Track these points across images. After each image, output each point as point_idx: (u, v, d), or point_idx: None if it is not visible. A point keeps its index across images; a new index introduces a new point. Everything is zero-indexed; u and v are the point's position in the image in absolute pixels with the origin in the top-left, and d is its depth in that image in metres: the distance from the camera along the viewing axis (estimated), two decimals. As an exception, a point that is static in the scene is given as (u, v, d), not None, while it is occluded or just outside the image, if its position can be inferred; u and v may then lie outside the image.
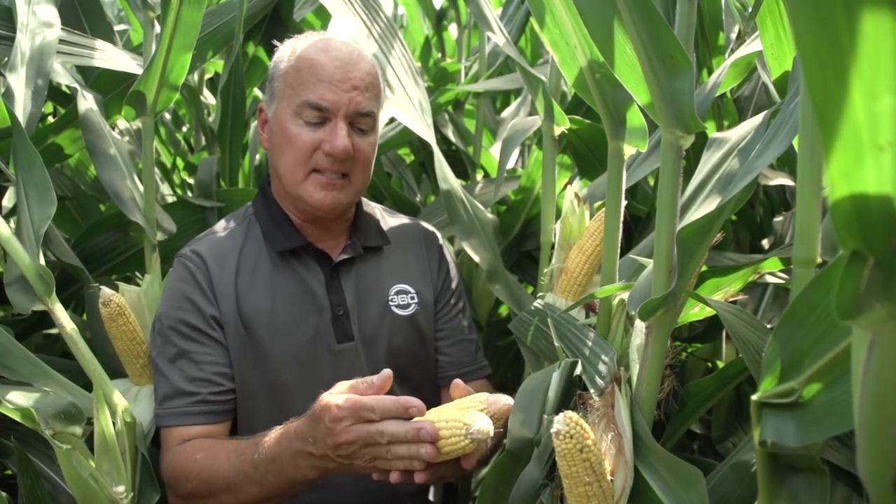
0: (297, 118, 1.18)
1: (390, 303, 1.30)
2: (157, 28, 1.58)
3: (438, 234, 1.44)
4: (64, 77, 1.63)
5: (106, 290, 1.26)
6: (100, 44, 1.60)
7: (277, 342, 1.21)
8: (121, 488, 1.10)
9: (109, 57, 1.58)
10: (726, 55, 1.55)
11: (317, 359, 1.23)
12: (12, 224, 1.28)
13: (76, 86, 1.57)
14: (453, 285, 1.40)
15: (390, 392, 1.27)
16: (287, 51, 1.24)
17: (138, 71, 1.59)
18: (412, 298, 1.32)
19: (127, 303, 1.30)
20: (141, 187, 1.54)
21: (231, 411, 1.23)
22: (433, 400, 1.37)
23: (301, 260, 1.26)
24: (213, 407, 1.20)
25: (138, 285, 1.44)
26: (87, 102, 1.53)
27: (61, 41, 1.45)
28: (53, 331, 1.87)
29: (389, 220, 1.41)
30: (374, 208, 1.42)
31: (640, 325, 1.03)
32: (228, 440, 1.18)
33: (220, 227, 1.32)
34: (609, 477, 0.92)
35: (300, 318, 1.23)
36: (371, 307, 1.28)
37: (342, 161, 1.18)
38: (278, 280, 1.24)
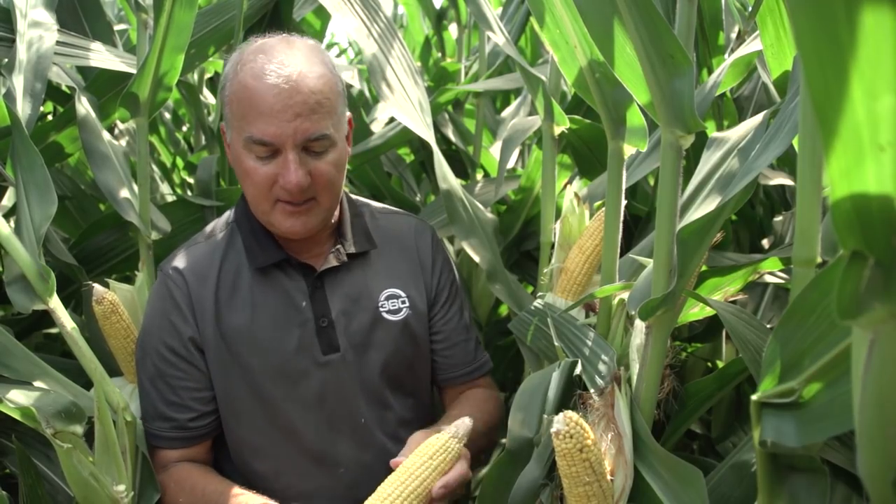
0: (248, 152, 1.11)
1: (381, 308, 1.25)
2: (150, 29, 1.59)
3: (431, 229, 1.38)
4: (63, 79, 1.63)
5: (99, 288, 1.26)
6: (96, 44, 1.60)
7: (260, 357, 1.19)
8: (121, 487, 1.10)
9: (106, 57, 1.58)
10: (726, 55, 1.55)
11: (303, 372, 1.20)
12: (12, 223, 1.28)
13: (73, 86, 1.57)
14: (448, 282, 1.35)
15: (384, 400, 1.26)
16: (230, 71, 1.14)
17: (135, 71, 1.59)
18: (403, 303, 1.27)
19: (120, 301, 1.30)
20: (136, 187, 1.54)
21: (210, 432, 1.24)
22: (428, 404, 1.37)
23: (284, 271, 1.22)
24: (191, 433, 1.21)
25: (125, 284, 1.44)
26: (84, 104, 1.53)
27: (59, 42, 1.45)
28: (53, 330, 1.88)
29: (380, 218, 1.34)
30: (364, 207, 1.34)
31: (639, 324, 1.03)
32: (210, 481, 1.19)
33: (204, 236, 1.28)
34: (609, 477, 0.92)
35: (282, 332, 1.20)
36: (361, 315, 1.24)
37: (301, 192, 1.11)
38: (259, 293, 1.20)
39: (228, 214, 1.30)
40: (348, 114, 1.20)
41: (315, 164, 1.12)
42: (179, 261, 1.23)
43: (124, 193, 1.51)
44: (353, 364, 1.23)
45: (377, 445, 1.25)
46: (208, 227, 1.30)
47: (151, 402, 1.21)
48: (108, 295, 1.26)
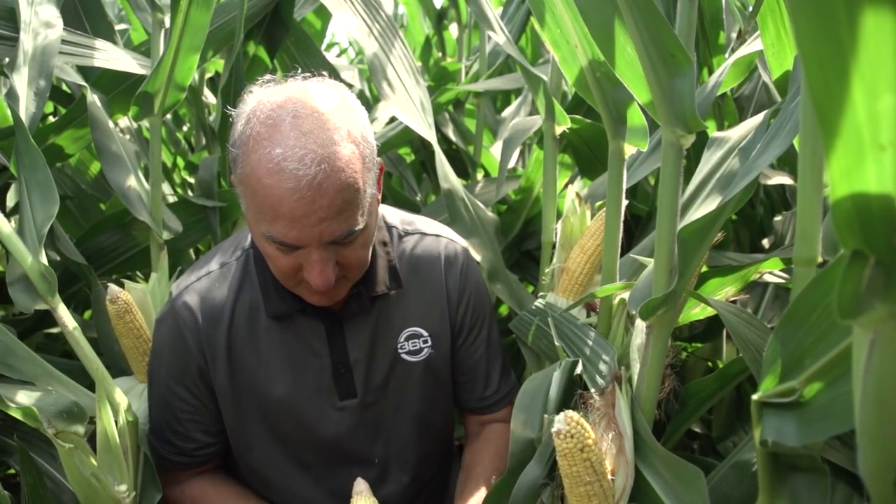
0: (267, 242, 0.99)
1: (400, 350, 1.18)
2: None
3: (461, 253, 1.25)
4: (69, 75, 1.63)
5: (113, 288, 1.28)
6: (101, 43, 1.60)
7: (276, 402, 1.15)
8: (123, 487, 1.10)
9: (111, 57, 1.58)
10: (727, 54, 1.55)
11: (320, 416, 1.17)
12: (14, 223, 1.28)
13: (80, 84, 1.57)
14: (476, 315, 1.25)
15: (405, 439, 1.22)
16: (241, 144, 0.97)
17: (139, 71, 1.60)
18: (425, 342, 1.20)
19: (134, 300, 1.31)
20: (147, 186, 1.54)
21: (217, 456, 1.23)
22: (450, 436, 1.35)
23: (302, 311, 1.14)
24: (196, 459, 1.21)
25: (139, 284, 1.44)
26: (93, 101, 1.53)
27: (63, 41, 1.45)
28: (54, 330, 1.88)
29: (406, 241, 1.22)
30: (392, 230, 1.23)
31: (640, 324, 1.03)
32: (228, 500, 1.20)
33: (216, 264, 1.18)
34: (610, 476, 0.92)
35: (299, 377, 1.15)
36: (380, 359, 1.17)
37: (329, 286, 1.01)
38: (276, 335, 1.14)
39: (244, 237, 1.20)
40: (379, 161, 1.07)
41: (343, 252, 1.01)
42: (191, 295, 1.14)
43: (136, 193, 1.52)
44: (371, 408, 1.19)
45: (392, 481, 1.23)
46: (223, 249, 1.21)
47: (158, 425, 1.20)
48: (123, 294, 1.28)
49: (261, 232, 0.98)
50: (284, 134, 0.93)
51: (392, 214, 1.26)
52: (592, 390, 1.01)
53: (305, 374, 1.15)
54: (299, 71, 1.07)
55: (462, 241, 1.28)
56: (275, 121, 0.94)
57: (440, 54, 2.90)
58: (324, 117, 0.95)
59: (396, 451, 1.23)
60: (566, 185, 1.45)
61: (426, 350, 1.20)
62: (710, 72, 1.60)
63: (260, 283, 1.14)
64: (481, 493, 1.15)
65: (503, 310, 2.12)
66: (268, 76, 1.04)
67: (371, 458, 1.21)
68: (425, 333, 1.20)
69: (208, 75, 2.29)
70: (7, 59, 1.42)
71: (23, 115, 1.29)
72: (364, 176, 0.98)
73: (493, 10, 1.55)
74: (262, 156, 0.93)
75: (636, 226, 1.79)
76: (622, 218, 1.10)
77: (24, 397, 1.08)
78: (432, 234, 1.25)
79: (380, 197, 1.10)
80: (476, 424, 1.32)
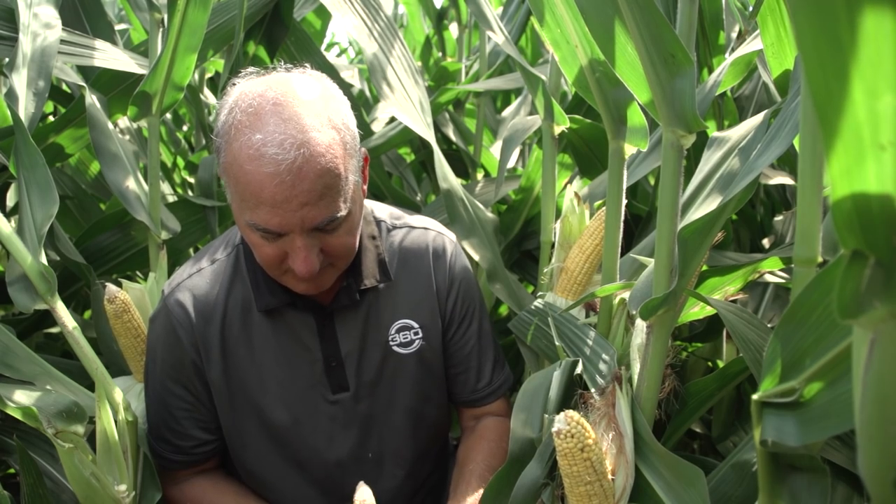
0: (251, 230, 0.99)
1: (391, 342, 1.19)
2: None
3: (449, 245, 1.26)
4: (69, 75, 1.63)
5: (111, 287, 1.28)
6: (100, 44, 1.60)
7: (269, 396, 1.16)
8: (122, 487, 1.10)
9: (110, 57, 1.58)
10: (727, 54, 1.55)
11: (312, 409, 1.17)
12: (13, 223, 1.28)
13: (80, 84, 1.57)
14: (465, 307, 1.25)
15: (399, 434, 1.21)
16: (224, 132, 0.98)
17: (139, 71, 1.60)
18: (416, 334, 1.20)
19: (132, 300, 1.31)
20: (146, 186, 1.54)
21: (215, 454, 1.24)
22: (446, 432, 1.35)
23: (293, 305, 1.15)
24: (195, 457, 1.21)
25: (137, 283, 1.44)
26: (92, 101, 1.53)
27: (62, 41, 1.45)
28: (54, 330, 1.88)
29: (395, 235, 1.23)
30: (381, 224, 1.23)
31: (640, 324, 1.03)
32: (227, 501, 1.20)
33: (207, 261, 1.18)
34: (610, 476, 0.92)
35: (291, 371, 1.16)
36: (371, 352, 1.18)
37: (314, 273, 1.01)
38: (269, 330, 1.15)
39: (234, 234, 1.21)
40: (363, 150, 1.08)
41: (327, 239, 1.02)
42: (183, 293, 1.15)
43: (135, 193, 1.52)
44: (364, 401, 1.19)
45: (387, 477, 1.23)
46: (213, 246, 1.22)
47: (155, 424, 1.20)
48: (121, 294, 1.28)
49: (245, 220, 0.99)
50: (265, 121, 0.94)
51: (381, 209, 1.27)
52: (592, 390, 1.01)
53: (297, 369, 1.16)
54: (282, 63, 1.08)
55: (450, 234, 1.29)
56: (256, 109, 0.95)
57: (440, 54, 2.90)
58: (305, 104, 0.96)
59: (390, 446, 1.23)
60: (566, 185, 1.44)
61: (417, 342, 1.21)
62: (710, 72, 1.60)
63: (250, 278, 1.15)
64: (474, 491, 1.15)
65: (503, 310, 2.12)
66: (251, 68, 1.06)
67: (365, 452, 1.22)
68: (416, 325, 1.21)
69: (208, 75, 2.29)
70: (7, 59, 1.42)
71: (22, 115, 1.29)
72: (345, 162, 0.99)
73: (492, 10, 1.55)
74: (242, 143, 0.94)
75: (636, 225, 1.79)
76: (622, 217, 1.10)
77: (24, 397, 1.07)
78: (420, 227, 1.26)
79: (365, 188, 1.11)
80: (470, 418, 1.32)
